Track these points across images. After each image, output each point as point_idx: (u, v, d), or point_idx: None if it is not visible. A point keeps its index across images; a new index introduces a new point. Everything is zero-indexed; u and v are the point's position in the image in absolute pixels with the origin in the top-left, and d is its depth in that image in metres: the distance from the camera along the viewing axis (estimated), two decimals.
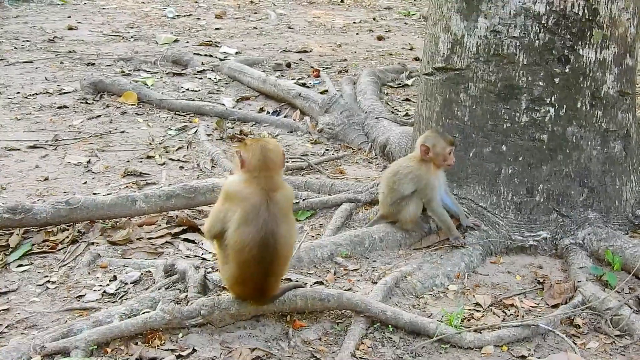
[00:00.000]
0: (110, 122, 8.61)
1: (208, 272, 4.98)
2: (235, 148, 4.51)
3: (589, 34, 5.46)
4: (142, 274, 5.19)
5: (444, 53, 5.82)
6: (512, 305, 4.95)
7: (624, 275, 5.23)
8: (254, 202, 4.20)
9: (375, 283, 5.09)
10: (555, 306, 4.93)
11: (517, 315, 4.82)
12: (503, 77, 5.54)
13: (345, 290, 4.92)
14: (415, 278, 5.12)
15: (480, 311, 4.85)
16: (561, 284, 5.11)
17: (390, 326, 4.56)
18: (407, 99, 9.93)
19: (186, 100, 9.32)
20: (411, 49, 13.14)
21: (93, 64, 11.16)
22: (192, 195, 6.06)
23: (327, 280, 5.12)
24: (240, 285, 4.37)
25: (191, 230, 5.90)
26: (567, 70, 5.47)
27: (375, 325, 4.58)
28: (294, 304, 4.60)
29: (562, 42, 5.44)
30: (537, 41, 5.45)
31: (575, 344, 4.49)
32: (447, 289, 5.15)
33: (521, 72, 5.50)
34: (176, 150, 7.78)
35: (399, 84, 10.62)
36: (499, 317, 4.79)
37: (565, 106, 5.52)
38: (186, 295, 4.73)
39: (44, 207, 5.67)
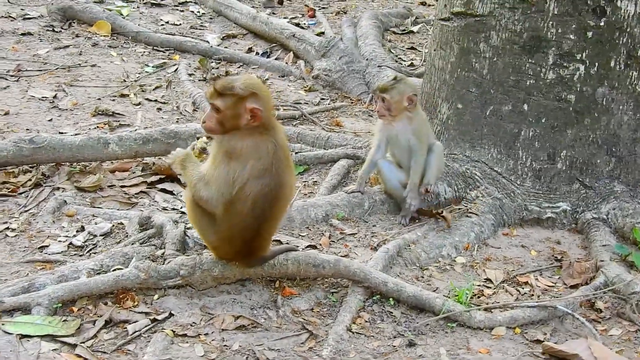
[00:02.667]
0: (80, 54, 8.39)
1: (188, 228, 4.83)
2: (238, 102, 4.05)
3: None
4: (113, 225, 5.05)
5: None
6: (526, 283, 4.86)
7: None
8: (264, 153, 4.05)
9: (374, 250, 4.99)
10: (575, 287, 4.84)
11: (532, 295, 4.73)
12: (530, 27, 5.39)
13: (342, 256, 4.79)
14: (420, 247, 5.02)
15: (491, 288, 4.77)
16: (581, 262, 5.02)
17: (391, 299, 4.45)
18: (412, 47, 9.76)
19: (166, 34, 9.10)
20: None
21: None
22: (171, 141, 5.91)
23: (321, 244, 5.01)
24: (227, 243, 4.23)
25: (169, 180, 5.76)
26: (602, 23, 5.32)
27: (374, 298, 4.49)
28: (284, 269, 4.48)
29: None
30: None
31: (596, 329, 4.40)
32: (455, 261, 5.06)
33: (550, 22, 5.34)
34: (153, 89, 7.60)
35: (404, 30, 10.42)
36: (511, 295, 4.70)
37: (597, 64, 5.38)
38: (163, 253, 4.61)
39: (5, 144, 5.51)
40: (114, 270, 4.38)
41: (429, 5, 12.02)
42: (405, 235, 5.11)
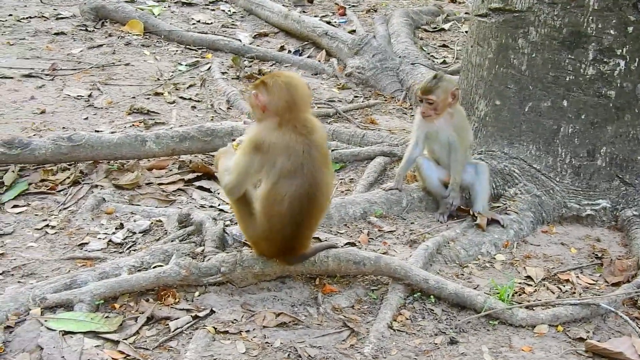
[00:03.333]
0: (114, 53, 8.42)
1: (227, 225, 4.84)
2: (252, 89, 4.21)
3: None
4: (152, 223, 5.06)
5: None
6: (567, 280, 4.80)
7: None
8: (296, 151, 4.01)
9: (413, 247, 4.94)
10: (616, 284, 4.78)
11: (574, 293, 4.67)
12: (569, 23, 5.33)
13: (381, 253, 4.76)
14: (459, 244, 4.98)
15: (532, 285, 4.72)
16: (623, 260, 4.96)
17: (432, 296, 4.42)
18: (444, 45, 9.71)
19: (198, 33, 9.10)
20: None
21: None
22: (208, 139, 5.90)
23: (359, 242, 4.98)
24: (267, 241, 4.22)
25: (206, 178, 5.75)
26: None
27: (415, 295, 4.45)
28: (325, 266, 4.46)
29: None
30: None
31: None
32: (494, 258, 5.01)
33: (590, 17, 5.28)
34: (187, 87, 7.60)
35: (435, 27, 10.37)
36: (553, 293, 4.64)
37: (637, 59, 5.32)
38: (203, 250, 4.60)
39: (43, 142, 5.52)
40: (155, 267, 4.38)
41: (460, 2, 11.95)
42: (444, 232, 5.07)
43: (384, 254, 4.77)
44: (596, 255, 5.12)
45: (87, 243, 4.83)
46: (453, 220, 5.35)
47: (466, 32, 9.82)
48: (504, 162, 5.58)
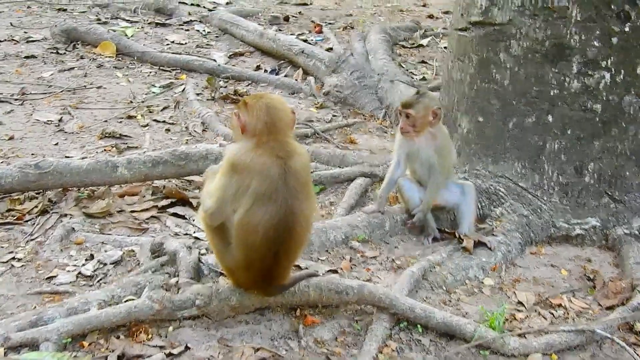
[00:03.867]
0: (85, 76, 8.19)
1: (202, 254, 4.58)
2: (234, 109, 4.03)
3: None
4: (123, 253, 4.80)
5: (481, 4, 5.41)
6: (559, 305, 4.58)
7: None
8: (270, 175, 3.75)
9: (397, 273, 4.72)
10: (610, 308, 4.56)
11: (567, 318, 4.45)
12: (552, 35, 5.14)
13: (364, 280, 4.53)
14: (446, 269, 4.75)
15: (523, 311, 4.49)
16: (616, 282, 4.74)
17: (419, 326, 4.17)
18: (422, 61, 9.53)
19: (172, 54, 8.88)
20: (424, 5, 12.75)
21: (64, 10, 10.74)
22: (182, 163, 5.65)
23: (342, 269, 4.74)
24: (244, 271, 3.96)
25: (181, 204, 5.50)
26: (626, 28, 5.06)
27: (401, 325, 4.20)
28: (306, 296, 4.21)
29: None
30: None
31: (637, 354, 4.11)
32: (482, 283, 4.78)
33: (574, 29, 5.09)
34: (161, 110, 7.37)
35: (413, 43, 10.21)
36: (545, 319, 4.42)
37: (622, 71, 5.11)
38: (177, 281, 4.33)
39: (9, 170, 5.26)
40: (126, 301, 4.12)
41: (437, 18, 11.83)
42: (429, 257, 4.84)
43: (367, 281, 4.57)
44: (588, 277, 4.91)
45: (55, 276, 4.56)
46: (438, 243, 5.11)
47: (445, 47, 9.69)
48: (489, 181, 5.38)
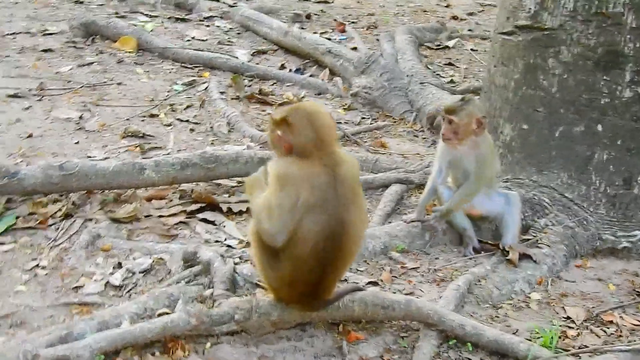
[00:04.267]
0: (105, 72, 7.97)
1: (236, 264, 4.36)
2: (274, 126, 3.77)
3: None
4: (153, 261, 4.59)
5: (530, 8, 5.20)
6: (611, 322, 4.38)
7: None
8: (319, 184, 3.57)
9: (440, 286, 4.53)
10: None
11: (620, 336, 4.25)
12: (605, 42, 4.93)
13: (407, 294, 4.34)
14: (491, 283, 4.55)
15: (573, 328, 4.29)
16: None
17: (469, 344, 3.95)
18: (449, 63, 9.32)
19: (194, 50, 8.64)
20: (447, 6, 12.49)
21: (81, 2, 10.55)
22: (211, 166, 5.45)
23: (382, 280, 4.54)
24: (289, 285, 3.75)
25: (210, 209, 5.27)
26: None
27: (449, 342, 4.00)
28: (350, 311, 4.01)
29: None
30: None
31: None
32: (529, 297, 4.58)
33: (628, 36, 4.89)
34: (185, 109, 7.15)
35: (439, 45, 9.99)
36: (598, 337, 4.22)
37: None
38: (212, 293, 4.14)
39: (32, 171, 5.05)
40: (160, 314, 3.92)
41: (462, 19, 11.58)
42: (473, 269, 4.64)
43: (409, 294, 4.39)
44: (637, 291, 4.71)
45: (82, 286, 4.36)
46: (480, 255, 4.90)
47: (472, 49, 9.51)
48: (533, 191, 5.17)
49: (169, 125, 6.73)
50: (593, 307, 4.52)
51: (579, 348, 4.06)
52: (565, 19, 5.03)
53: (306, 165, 3.60)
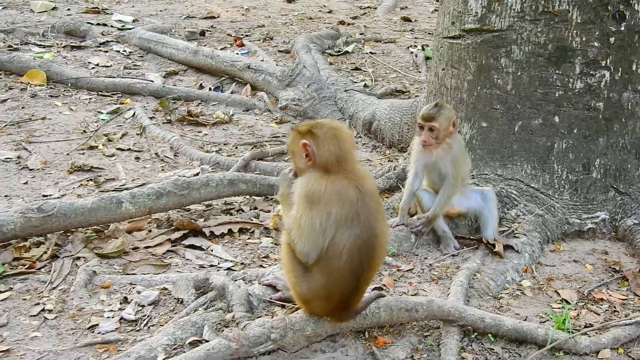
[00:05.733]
0: (23, 108, 7.77)
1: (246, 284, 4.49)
2: (299, 137, 3.91)
3: None
4: (159, 292, 4.60)
5: (477, 12, 5.52)
6: (602, 299, 4.75)
7: None
8: (349, 198, 3.74)
9: (439, 284, 4.78)
10: None
11: (615, 311, 4.63)
12: (554, 38, 5.31)
13: (412, 295, 4.57)
14: (486, 275, 4.84)
15: (573, 309, 4.61)
16: None
17: (490, 335, 4.21)
18: (356, 68, 9.60)
19: (109, 78, 8.53)
20: (330, 12, 12.81)
21: None
22: (185, 192, 5.49)
23: (385, 285, 4.73)
24: (324, 299, 3.90)
25: (192, 235, 5.32)
26: (622, 28, 5.29)
27: (470, 336, 4.25)
28: (377, 318, 4.20)
29: None
30: None
31: None
32: (521, 285, 4.91)
33: (575, 31, 5.29)
34: (121, 137, 7.11)
35: (339, 51, 10.25)
36: (598, 314, 4.58)
37: (620, 69, 5.35)
38: (233, 316, 4.23)
39: (11, 216, 4.96)
40: (191, 343, 4.00)
41: (349, 24, 11.90)
42: (467, 264, 4.92)
43: (414, 294, 4.58)
44: (614, 269, 5.10)
45: (96, 325, 4.34)
46: (463, 250, 5.18)
47: (370, 53, 9.82)
48: (500, 185, 5.50)
49: (112, 155, 6.68)
50: (580, 287, 4.87)
51: (585, 327, 4.38)
52: (513, 20, 5.38)
53: (333, 181, 3.76)
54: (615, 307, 4.66)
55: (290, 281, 4.00)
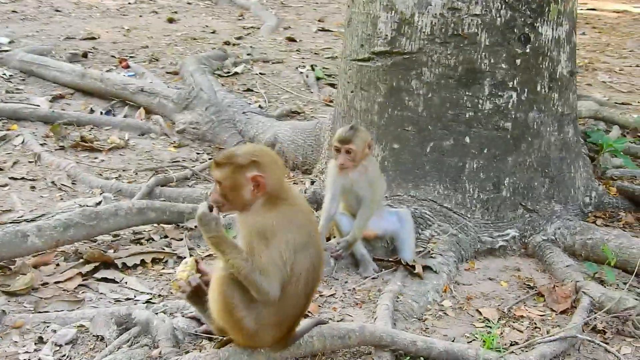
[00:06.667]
0: None
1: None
2: (240, 172, 3.67)
3: (547, 9, 5.49)
4: (77, 330, 4.39)
5: (386, 35, 5.56)
6: (522, 316, 4.85)
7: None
8: (300, 223, 3.71)
9: (362, 308, 4.77)
10: (564, 312, 4.90)
11: (536, 327, 4.72)
12: (464, 60, 5.42)
13: (337, 321, 4.54)
14: (409, 297, 4.86)
15: (497, 328, 4.67)
16: (561, 286, 5.07)
17: (422, 358, 4.23)
18: (248, 89, 9.53)
19: None
20: (213, 32, 12.70)
21: None
22: (93, 223, 5.28)
23: (310, 312, 4.67)
24: (274, 327, 3.79)
25: (103, 267, 5.12)
26: (527, 50, 5.47)
27: None
28: (310, 347, 4.13)
29: (522, 19, 5.43)
30: (498, 19, 5.38)
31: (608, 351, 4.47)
32: (442, 305, 4.95)
33: (483, 53, 5.41)
34: (12, 166, 6.78)
35: (228, 72, 10.15)
36: (520, 331, 4.66)
37: (526, 90, 5.53)
38: (160, 352, 4.09)
39: None
40: None
41: (234, 44, 11.82)
42: (389, 287, 4.92)
43: (339, 321, 4.55)
44: (528, 285, 5.21)
45: None
46: (382, 272, 5.19)
47: (261, 74, 9.78)
48: (413, 205, 5.54)
49: (5, 185, 6.38)
50: (499, 305, 4.96)
51: (511, 345, 4.46)
52: (424, 43, 5.45)
53: (280, 209, 3.68)
54: (535, 323, 4.75)
55: (227, 314, 3.81)
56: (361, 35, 5.74)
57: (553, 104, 5.65)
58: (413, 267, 5.10)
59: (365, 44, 5.70)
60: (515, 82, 5.45)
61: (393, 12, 5.52)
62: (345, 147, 4.98)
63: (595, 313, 4.77)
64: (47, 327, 4.45)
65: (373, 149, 5.13)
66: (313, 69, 10.32)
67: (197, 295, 4.01)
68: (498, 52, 5.38)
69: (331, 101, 9.08)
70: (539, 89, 5.54)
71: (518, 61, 5.42)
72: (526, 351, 4.38)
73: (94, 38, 11.70)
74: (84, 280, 5.00)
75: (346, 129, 5.05)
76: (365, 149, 5.02)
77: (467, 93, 5.42)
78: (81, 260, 5.17)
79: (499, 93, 5.43)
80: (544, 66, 5.54)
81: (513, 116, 5.48)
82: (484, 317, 4.81)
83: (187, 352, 4.11)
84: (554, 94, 5.63)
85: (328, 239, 5.30)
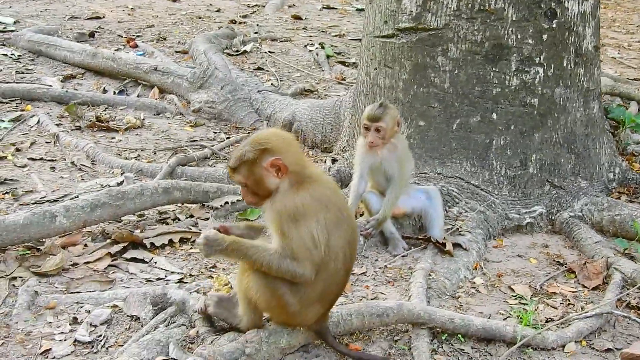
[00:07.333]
0: None
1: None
2: (257, 162, 3.65)
3: None
4: (112, 311, 4.38)
5: (411, 11, 5.53)
6: (554, 293, 4.84)
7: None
8: (330, 201, 3.69)
9: (395, 286, 4.76)
10: (596, 288, 4.91)
11: (570, 303, 4.72)
12: (491, 36, 5.39)
13: (371, 299, 4.54)
14: (441, 275, 4.85)
15: (528, 304, 4.67)
16: (593, 263, 5.06)
17: (459, 335, 4.22)
18: (259, 68, 9.46)
19: (3, 83, 8.07)
20: (218, 10, 12.61)
21: None
22: (120, 203, 5.26)
23: (344, 291, 4.65)
24: (317, 305, 3.79)
25: (132, 247, 5.10)
26: (554, 25, 5.44)
27: (439, 337, 4.24)
28: (349, 325, 4.14)
29: None
30: None
31: None
32: (474, 282, 4.94)
33: (510, 29, 5.38)
34: (30, 146, 6.75)
35: (237, 51, 10.08)
36: (554, 308, 4.66)
37: (552, 65, 5.50)
38: (197, 332, 4.08)
39: None
40: None
41: (240, 22, 11.74)
42: (420, 264, 4.91)
43: (374, 298, 4.55)
44: (557, 262, 5.20)
45: (49, 349, 4.08)
46: (412, 250, 5.18)
47: (269, 52, 9.72)
48: (440, 183, 5.52)
49: (24, 166, 6.34)
50: (530, 282, 4.95)
51: (547, 321, 4.46)
52: (450, 18, 5.41)
53: (307, 189, 3.66)
54: (569, 299, 4.75)
55: (267, 298, 3.79)
56: (385, 12, 5.70)
57: (579, 79, 5.62)
58: (443, 244, 5.08)
59: (389, 20, 5.66)
60: (541, 57, 5.42)
61: None
62: (375, 125, 4.95)
63: (627, 289, 4.75)
64: (81, 307, 4.44)
65: (402, 126, 5.09)
66: (323, 47, 10.26)
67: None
68: (525, 28, 5.35)
69: (343, 79, 9.05)
70: (565, 64, 5.51)
71: (544, 36, 5.39)
72: (563, 327, 4.37)
73: (99, 17, 11.61)
74: (113, 260, 4.98)
75: (375, 107, 5.01)
76: (395, 127, 5.00)
77: (493, 69, 5.40)
78: (109, 240, 5.13)
79: (526, 69, 5.40)
80: (570, 41, 5.51)
81: (540, 92, 5.46)
82: (517, 294, 4.80)
83: (224, 331, 4.07)
84: (580, 69, 5.60)
85: (355, 217, 5.27)
